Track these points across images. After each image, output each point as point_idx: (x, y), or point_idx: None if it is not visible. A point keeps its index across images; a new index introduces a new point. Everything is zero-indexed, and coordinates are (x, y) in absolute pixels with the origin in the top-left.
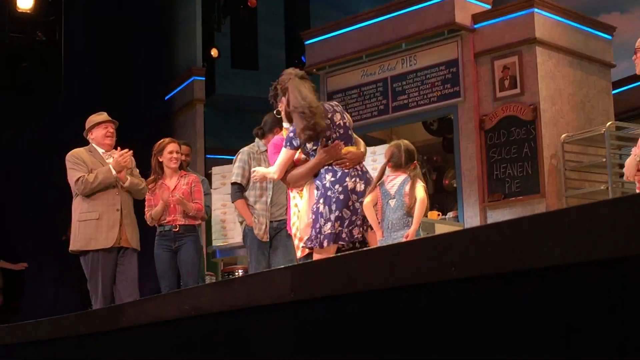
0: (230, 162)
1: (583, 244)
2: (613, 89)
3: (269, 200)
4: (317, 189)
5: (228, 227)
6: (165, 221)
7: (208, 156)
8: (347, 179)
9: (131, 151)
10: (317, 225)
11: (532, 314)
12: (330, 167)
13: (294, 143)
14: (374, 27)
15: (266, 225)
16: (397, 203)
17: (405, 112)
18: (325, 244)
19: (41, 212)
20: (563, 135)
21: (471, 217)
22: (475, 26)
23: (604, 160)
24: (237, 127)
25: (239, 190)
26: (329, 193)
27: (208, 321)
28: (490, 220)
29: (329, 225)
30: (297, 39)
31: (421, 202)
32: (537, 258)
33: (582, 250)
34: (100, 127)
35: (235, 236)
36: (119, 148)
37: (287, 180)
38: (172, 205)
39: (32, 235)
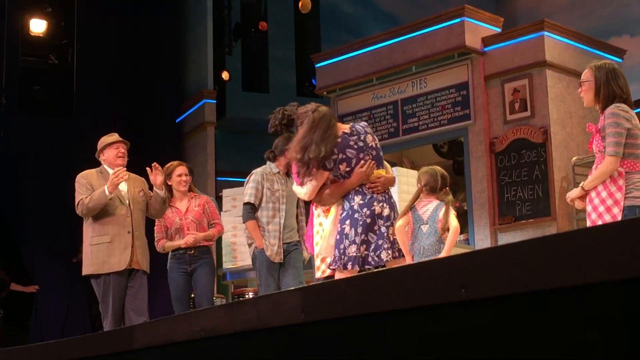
0: (240, 184)
1: (592, 265)
2: None
3: (282, 221)
4: (344, 210)
5: (238, 249)
6: (179, 245)
7: (219, 179)
8: (375, 204)
9: (124, 168)
10: (342, 246)
11: (540, 336)
12: (360, 190)
13: (327, 165)
14: (384, 50)
15: (278, 247)
16: (429, 229)
17: (415, 134)
18: (349, 266)
19: (52, 233)
20: (574, 158)
21: (482, 240)
22: (486, 49)
23: None
24: (248, 150)
25: (251, 210)
26: (356, 215)
27: (218, 343)
28: (501, 243)
29: (353, 247)
30: (308, 62)
31: (455, 230)
32: (548, 279)
33: (591, 272)
34: (111, 148)
35: (246, 258)
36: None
37: (317, 199)
38: (185, 228)
39: (43, 256)
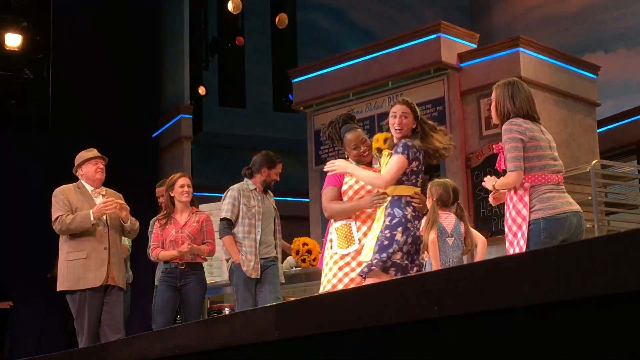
0: (217, 199)
1: (565, 283)
2: (598, 128)
3: (258, 237)
4: (397, 217)
5: (215, 264)
6: (171, 259)
7: (195, 194)
8: (419, 219)
9: (119, 201)
10: (390, 251)
11: (513, 353)
12: (409, 202)
13: (412, 154)
14: (360, 65)
15: (255, 262)
16: (455, 242)
17: None
18: (391, 271)
19: (27, 249)
20: None
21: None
22: (462, 65)
23: (590, 198)
24: (224, 165)
25: (227, 226)
26: (408, 225)
27: None
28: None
29: (399, 255)
30: (285, 77)
31: (484, 244)
32: (521, 297)
33: (562, 289)
34: (90, 164)
35: (223, 274)
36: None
37: (331, 211)
38: (180, 242)
39: (18, 272)
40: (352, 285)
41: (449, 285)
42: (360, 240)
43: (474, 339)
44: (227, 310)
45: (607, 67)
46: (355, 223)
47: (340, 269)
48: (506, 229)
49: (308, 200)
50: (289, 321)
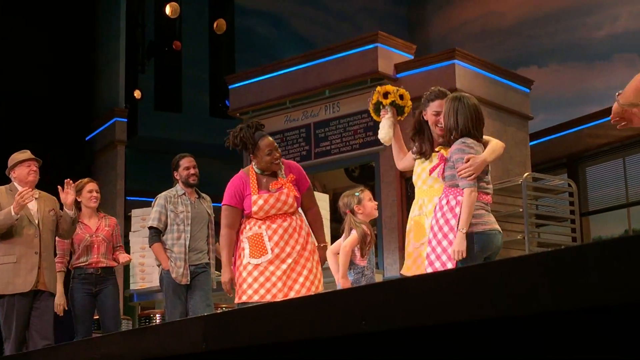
0: (150, 204)
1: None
2: (530, 141)
3: (187, 243)
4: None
5: (146, 270)
6: (86, 264)
7: (128, 198)
8: None
9: (30, 188)
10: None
11: None
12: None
13: None
14: (298, 73)
15: (184, 268)
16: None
17: (327, 158)
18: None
19: None
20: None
21: (391, 265)
22: (398, 75)
23: (521, 210)
24: (159, 169)
25: (155, 234)
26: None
27: None
28: None
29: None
30: (222, 82)
31: (342, 248)
32: (447, 313)
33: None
34: (23, 166)
35: (153, 280)
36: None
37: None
38: (96, 246)
39: None
40: (268, 296)
41: (377, 300)
42: (273, 250)
43: (401, 355)
44: (157, 317)
45: (540, 81)
46: (267, 232)
47: (255, 279)
48: (430, 235)
49: None
50: (217, 333)
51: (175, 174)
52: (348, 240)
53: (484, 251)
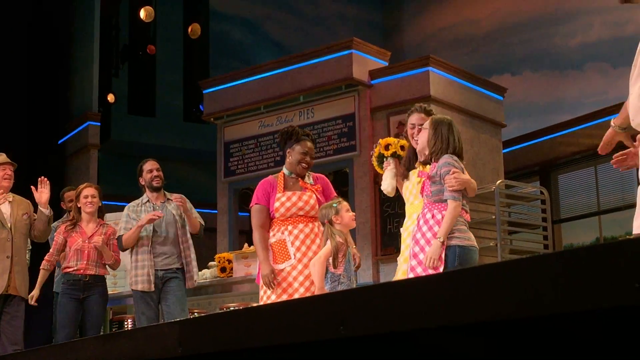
0: (123, 209)
1: (471, 306)
2: (503, 148)
3: (149, 249)
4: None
5: (118, 275)
6: (74, 269)
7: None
8: None
9: (5, 193)
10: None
11: None
12: None
13: None
14: (272, 78)
15: (148, 275)
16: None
17: None
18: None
19: None
20: None
21: (364, 271)
22: (373, 82)
23: (494, 217)
24: (132, 174)
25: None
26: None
27: None
28: (382, 274)
29: None
30: (196, 87)
31: (316, 259)
32: (428, 318)
33: (470, 312)
34: None
35: (126, 285)
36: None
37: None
38: (86, 252)
39: None
40: None
41: (356, 305)
42: (295, 255)
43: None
44: (129, 322)
45: (513, 89)
46: (289, 238)
47: (278, 284)
48: (416, 249)
49: (216, 212)
50: (193, 337)
51: (141, 180)
52: (322, 252)
53: (462, 265)
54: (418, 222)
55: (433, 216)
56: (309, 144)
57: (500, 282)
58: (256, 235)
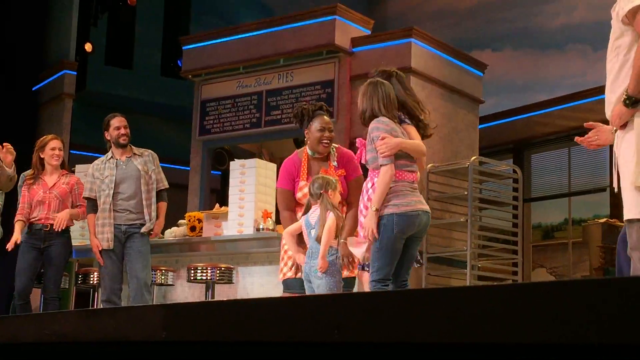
0: (95, 159)
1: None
2: (479, 124)
3: (110, 207)
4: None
5: (87, 227)
6: (36, 219)
7: (72, 152)
8: None
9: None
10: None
11: None
12: None
13: None
14: (253, 39)
15: (107, 232)
16: (315, 232)
17: (277, 127)
18: None
19: None
20: (429, 165)
21: None
22: (354, 49)
23: (466, 193)
24: None
25: (90, 205)
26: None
27: (71, 349)
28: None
29: None
30: (175, 43)
31: (326, 229)
32: (421, 333)
33: (463, 331)
34: None
35: None
36: None
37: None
38: (47, 202)
39: None
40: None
41: (353, 311)
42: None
43: None
44: (95, 275)
45: (493, 66)
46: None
47: (299, 269)
48: (361, 218)
49: (188, 169)
50: (178, 323)
51: (106, 134)
52: (333, 222)
53: (404, 232)
54: (362, 193)
55: (373, 185)
56: (325, 118)
57: (505, 305)
58: (283, 219)
